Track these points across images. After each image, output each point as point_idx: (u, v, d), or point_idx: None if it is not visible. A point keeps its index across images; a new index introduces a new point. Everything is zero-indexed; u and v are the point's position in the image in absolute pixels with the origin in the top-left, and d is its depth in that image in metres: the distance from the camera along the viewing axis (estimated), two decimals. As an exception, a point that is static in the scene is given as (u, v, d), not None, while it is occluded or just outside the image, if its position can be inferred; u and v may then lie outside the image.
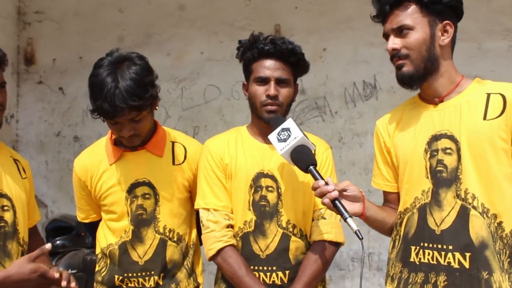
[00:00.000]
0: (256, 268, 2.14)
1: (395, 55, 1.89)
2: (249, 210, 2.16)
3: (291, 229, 2.16)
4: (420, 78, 1.89)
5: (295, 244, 2.16)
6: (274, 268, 2.14)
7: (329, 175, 2.15)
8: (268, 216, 2.15)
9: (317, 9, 4.48)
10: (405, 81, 1.90)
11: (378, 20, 1.96)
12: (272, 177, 2.17)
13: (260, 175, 2.17)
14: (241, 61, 2.27)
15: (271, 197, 2.16)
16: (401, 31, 1.88)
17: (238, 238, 2.17)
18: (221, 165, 2.21)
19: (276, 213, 2.15)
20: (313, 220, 2.20)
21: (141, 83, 2.02)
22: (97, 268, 2.31)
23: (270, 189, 2.16)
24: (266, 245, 2.14)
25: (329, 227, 2.15)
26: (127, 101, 1.98)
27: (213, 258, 2.16)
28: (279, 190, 2.16)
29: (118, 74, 2.01)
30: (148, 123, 2.17)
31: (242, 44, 2.25)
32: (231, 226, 2.18)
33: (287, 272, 2.15)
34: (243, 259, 2.13)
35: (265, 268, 2.14)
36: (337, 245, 2.19)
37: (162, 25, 4.67)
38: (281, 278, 2.14)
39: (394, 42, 1.88)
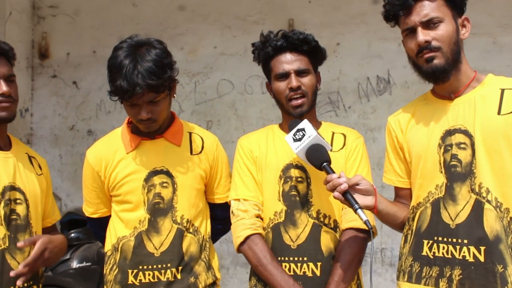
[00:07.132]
0: (286, 259, 2.13)
1: (426, 47, 1.85)
2: (279, 200, 2.17)
3: (322, 219, 2.15)
4: (451, 71, 1.86)
5: (327, 235, 2.14)
6: (305, 259, 2.12)
7: (359, 163, 2.17)
8: (298, 206, 2.15)
9: (331, 3, 4.46)
10: (438, 73, 1.86)
11: (403, 12, 1.89)
12: (302, 168, 2.17)
13: (290, 166, 2.18)
14: (259, 63, 2.29)
15: (301, 187, 2.16)
16: (431, 23, 1.85)
17: (269, 229, 2.17)
18: (251, 158, 2.25)
19: (306, 203, 2.15)
20: (342, 209, 2.18)
21: (160, 63, 2.04)
22: (106, 267, 2.24)
23: (299, 179, 2.17)
24: (297, 235, 2.13)
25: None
26: (145, 80, 1.99)
27: (240, 246, 2.16)
28: (309, 180, 2.16)
29: (138, 55, 2.03)
30: (166, 108, 2.17)
31: (255, 46, 2.27)
32: (260, 217, 2.19)
33: (319, 264, 2.12)
34: (269, 249, 2.13)
35: (296, 258, 2.13)
36: (367, 232, 2.10)
37: (175, 19, 4.68)
38: (312, 270, 2.11)
39: (426, 34, 1.84)
